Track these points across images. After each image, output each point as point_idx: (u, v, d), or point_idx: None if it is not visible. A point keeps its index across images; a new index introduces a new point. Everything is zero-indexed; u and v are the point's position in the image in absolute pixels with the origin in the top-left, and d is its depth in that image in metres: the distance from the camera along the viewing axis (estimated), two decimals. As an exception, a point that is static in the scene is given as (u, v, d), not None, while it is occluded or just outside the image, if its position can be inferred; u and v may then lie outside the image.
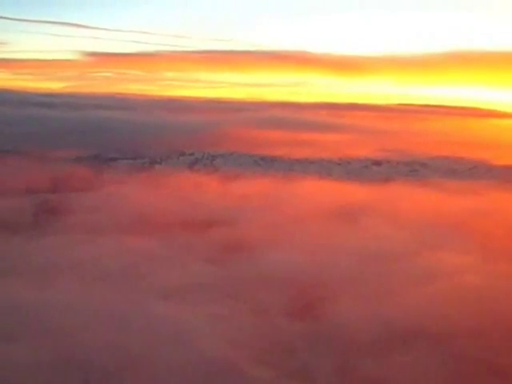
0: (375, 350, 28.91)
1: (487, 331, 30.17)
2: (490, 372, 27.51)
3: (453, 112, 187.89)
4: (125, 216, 53.99)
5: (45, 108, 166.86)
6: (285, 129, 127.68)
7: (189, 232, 48.24)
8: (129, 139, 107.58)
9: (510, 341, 29.85)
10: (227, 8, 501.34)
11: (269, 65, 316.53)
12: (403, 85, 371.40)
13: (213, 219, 52.93)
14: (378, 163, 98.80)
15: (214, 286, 37.13)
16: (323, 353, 29.05)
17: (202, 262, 42.00)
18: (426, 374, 27.42)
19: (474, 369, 27.51)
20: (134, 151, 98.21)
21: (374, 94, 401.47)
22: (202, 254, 43.16)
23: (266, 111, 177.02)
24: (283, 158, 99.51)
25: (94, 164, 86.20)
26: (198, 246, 44.96)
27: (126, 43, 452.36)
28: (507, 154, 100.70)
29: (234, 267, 40.76)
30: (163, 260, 41.51)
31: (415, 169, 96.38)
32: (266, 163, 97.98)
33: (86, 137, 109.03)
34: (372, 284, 36.64)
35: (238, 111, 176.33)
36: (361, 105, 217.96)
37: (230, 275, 39.30)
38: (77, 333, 28.63)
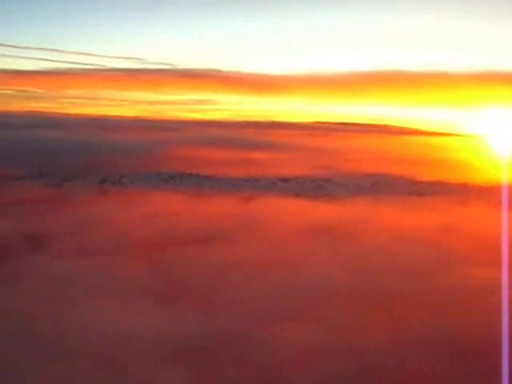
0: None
1: None
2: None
3: (367, 129, 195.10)
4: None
5: None
6: (200, 146, 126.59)
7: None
8: (37, 158, 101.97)
9: None
10: (139, 26, 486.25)
11: (180, 83, 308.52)
12: (320, 103, 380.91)
13: (205, 238, 52.00)
14: (284, 180, 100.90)
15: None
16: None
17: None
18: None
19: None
20: (41, 170, 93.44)
21: (291, 113, 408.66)
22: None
23: (175, 130, 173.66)
24: (191, 175, 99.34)
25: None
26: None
27: (33, 61, 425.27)
28: (414, 169, 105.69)
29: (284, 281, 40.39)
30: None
31: (321, 185, 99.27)
32: (175, 181, 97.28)
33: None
34: (435, 299, 37.47)
35: (150, 130, 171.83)
36: (279, 123, 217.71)
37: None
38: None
